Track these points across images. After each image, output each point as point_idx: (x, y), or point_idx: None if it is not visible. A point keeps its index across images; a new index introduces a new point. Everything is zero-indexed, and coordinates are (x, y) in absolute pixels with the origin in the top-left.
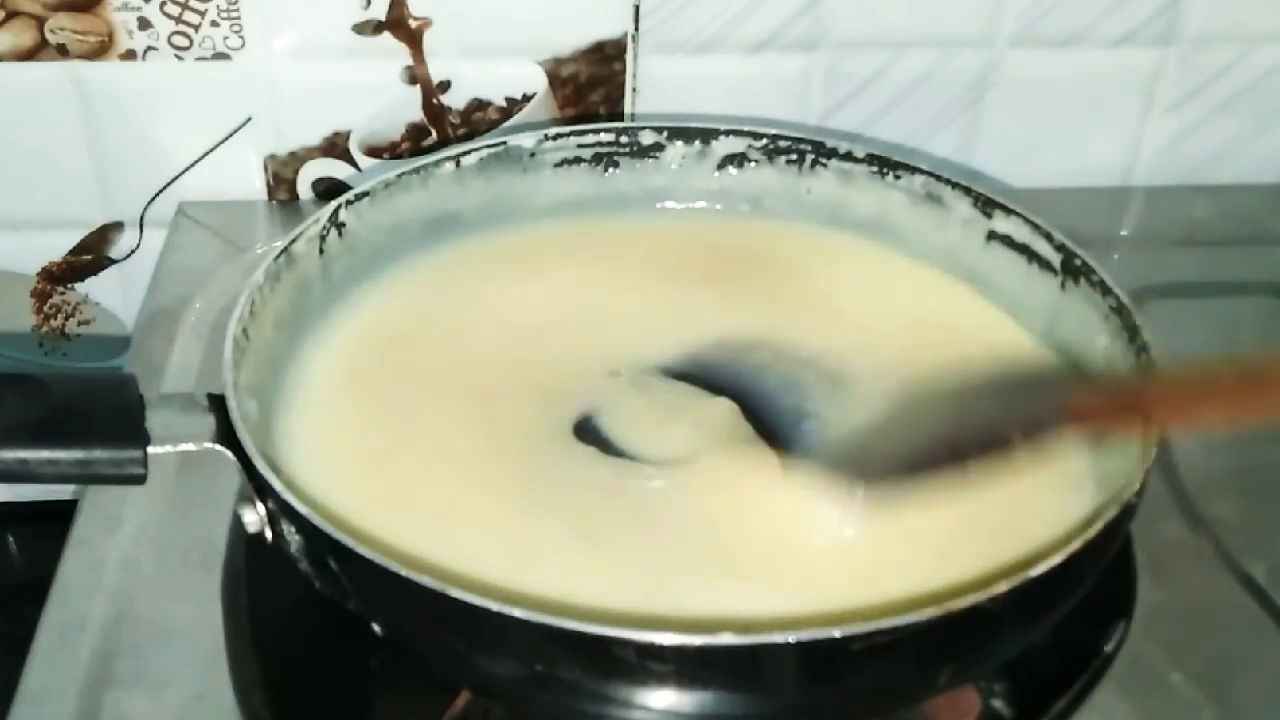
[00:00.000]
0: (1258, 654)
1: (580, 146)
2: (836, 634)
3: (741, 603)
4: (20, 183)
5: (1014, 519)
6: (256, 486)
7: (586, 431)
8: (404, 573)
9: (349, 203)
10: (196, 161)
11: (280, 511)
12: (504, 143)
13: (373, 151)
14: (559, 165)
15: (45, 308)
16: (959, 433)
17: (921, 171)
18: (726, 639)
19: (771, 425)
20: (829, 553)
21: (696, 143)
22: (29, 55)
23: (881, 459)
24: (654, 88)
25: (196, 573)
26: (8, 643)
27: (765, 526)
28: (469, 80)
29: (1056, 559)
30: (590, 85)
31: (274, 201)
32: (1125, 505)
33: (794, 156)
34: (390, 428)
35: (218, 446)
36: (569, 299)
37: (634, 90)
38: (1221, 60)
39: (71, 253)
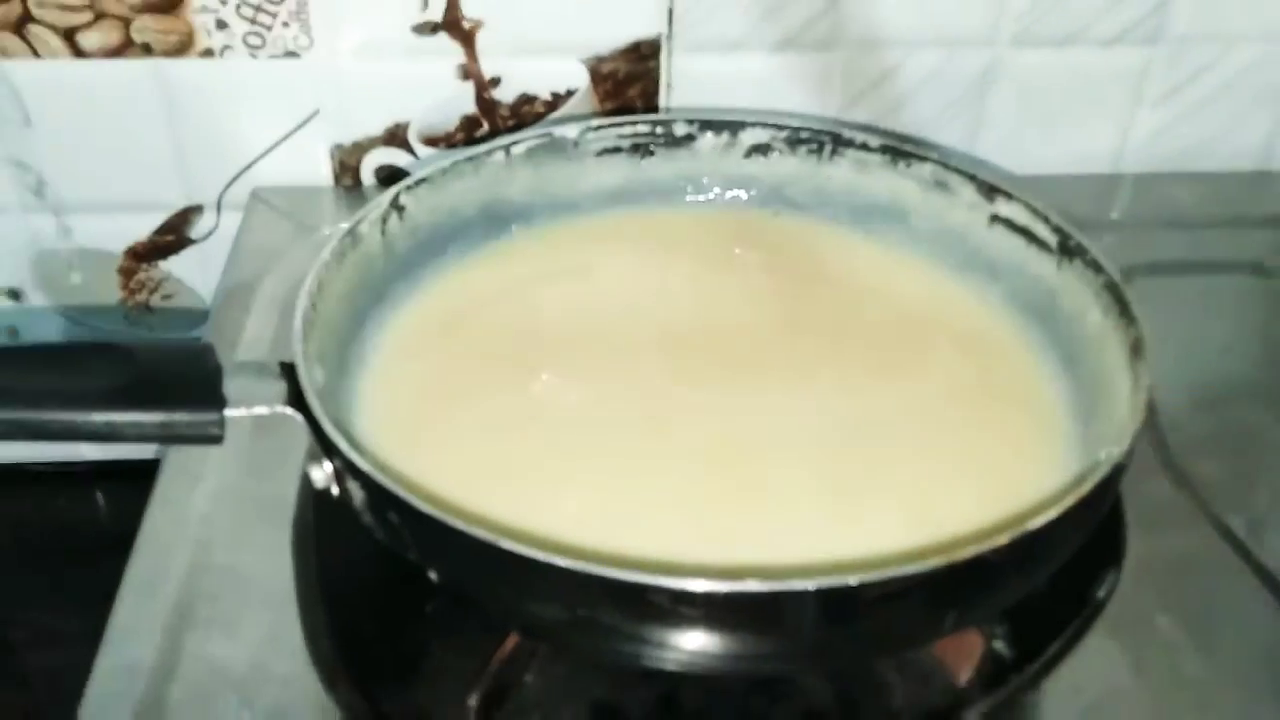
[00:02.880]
0: (1237, 600)
1: (619, 137)
2: (853, 581)
3: (755, 552)
4: (108, 169)
5: (1005, 483)
6: (324, 447)
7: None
8: (459, 525)
9: (408, 188)
10: (269, 150)
11: (345, 470)
12: (550, 133)
13: (430, 141)
14: (600, 154)
15: (131, 283)
16: None
17: (930, 160)
18: (751, 585)
19: None
20: (825, 514)
21: (725, 134)
22: (116, 53)
23: None
24: (686, 83)
25: (269, 526)
26: (97, 591)
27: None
28: (517, 76)
29: (1053, 513)
30: (628, 81)
31: (340, 187)
32: (1116, 464)
33: (814, 146)
34: (446, 393)
35: (289, 410)
36: (609, 277)
37: (668, 86)
38: (1204, 58)
39: (155, 233)
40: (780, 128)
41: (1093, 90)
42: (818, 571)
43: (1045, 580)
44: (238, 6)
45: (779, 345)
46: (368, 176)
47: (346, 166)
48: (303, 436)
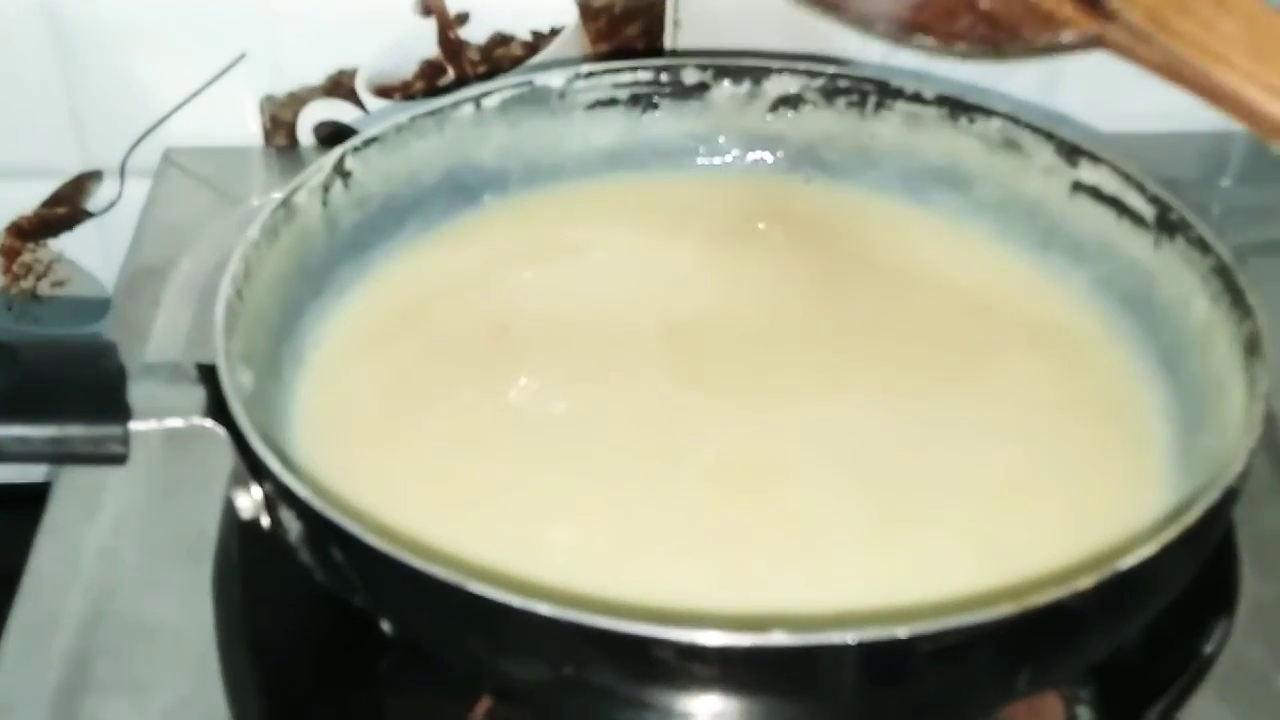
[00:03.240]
0: None
1: (615, 86)
2: (903, 633)
3: (781, 598)
4: None
5: (1092, 507)
6: (251, 467)
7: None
8: (417, 564)
9: (356, 149)
10: (184, 103)
11: (278, 495)
12: (530, 82)
13: (382, 92)
14: (591, 107)
15: (14, 266)
16: None
17: (998, 114)
18: (779, 639)
19: None
20: (868, 550)
21: (746, 82)
22: None
23: None
24: (698, 20)
25: (184, 564)
26: None
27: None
28: (490, 11)
29: (1149, 549)
30: (626, 17)
31: (271, 148)
32: (1227, 489)
33: (855, 98)
34: (404, 402)
35: (208, 422)
36: (602, 259)
37: (675, 23)
38: None
39: (44, 205)
40: (814, 74)
41: None
42: (860, 621)
43: (1139, 631)
44: None
45: (811, 343)
46: (305, 135)
47: (279, 123)
48: (225, 454)
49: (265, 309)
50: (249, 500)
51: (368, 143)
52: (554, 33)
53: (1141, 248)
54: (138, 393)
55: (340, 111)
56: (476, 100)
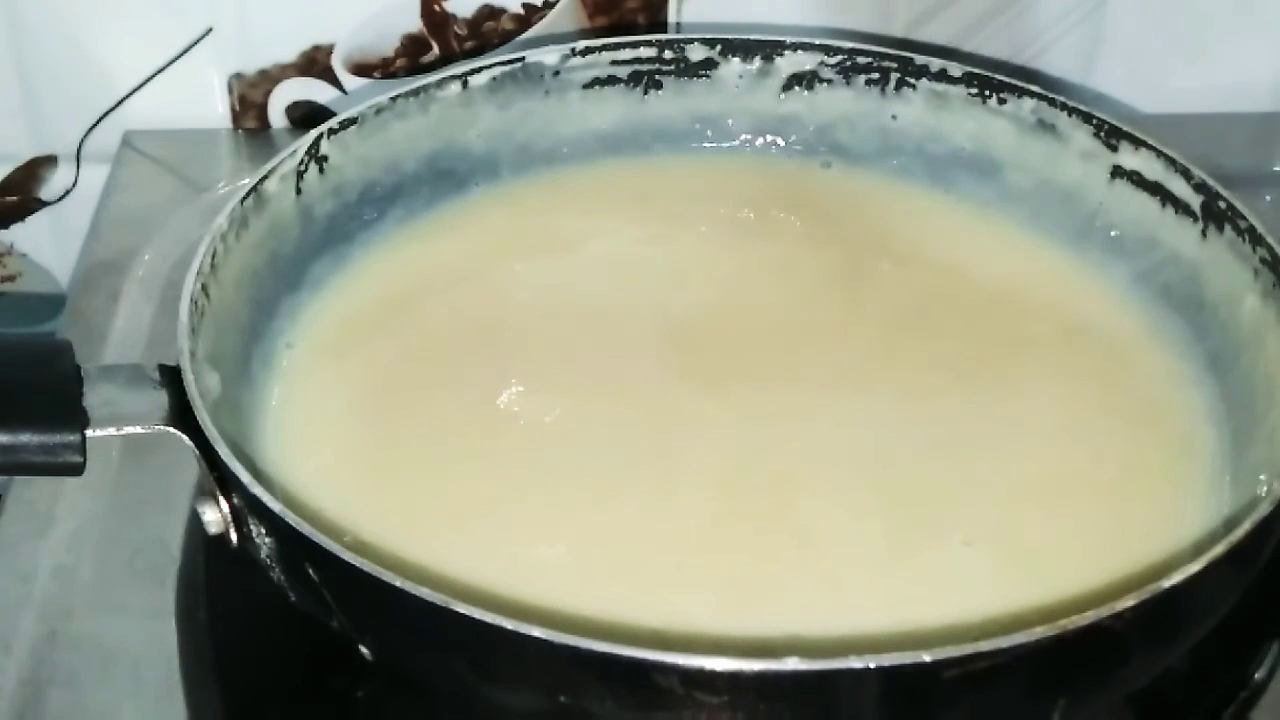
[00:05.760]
0: None
1: (615, 64)
2: (927, 658)
3: (794, 620)
4: None
5: (1131, 520)
6: (219, 478)
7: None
8: (399, 583)
9: (332, 132)
10: (146, 82)
11: (247, 508)
12: (522, 59)
13: (361, 70)
14: (589, 86)
15: None
16: None
17: (1031, 94)
18: (792, 665)
19: None
20: (888, 567)
21: (757, 59)
22: None
23: None
24: None
25: (146, 583)
26: None
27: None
28: None
29: (1195, 567)
30: None
31: (240, 130)
32: (1279, 502)
33: (876, 76)
34: (384, 408)
35: (171, 429)
36: (599, 251)
37: None
38: None
39: None
40: (830, 50)
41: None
42: (879, 645)
43: (1185, 656)
44: None
45: (826, 342)
46: (277, 117)
47: (249, 103)
48: (190, 464)
49: (234, 306)
50: (216, 514)
51: (345, 125)
52: (548, 5)
53: (1186, 239)
54: (95, 397)
55: (315, 91)
56: (463, 79)
